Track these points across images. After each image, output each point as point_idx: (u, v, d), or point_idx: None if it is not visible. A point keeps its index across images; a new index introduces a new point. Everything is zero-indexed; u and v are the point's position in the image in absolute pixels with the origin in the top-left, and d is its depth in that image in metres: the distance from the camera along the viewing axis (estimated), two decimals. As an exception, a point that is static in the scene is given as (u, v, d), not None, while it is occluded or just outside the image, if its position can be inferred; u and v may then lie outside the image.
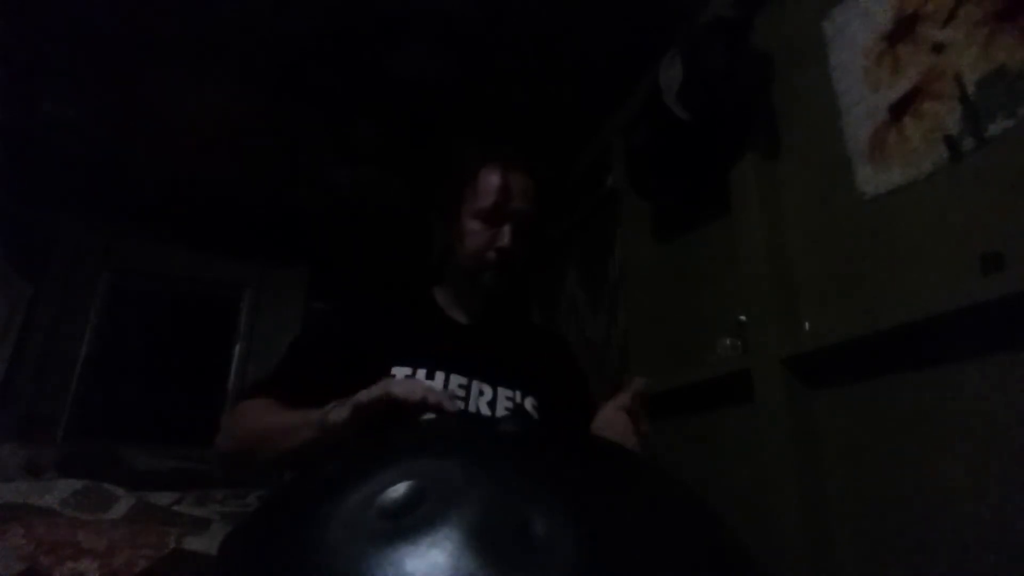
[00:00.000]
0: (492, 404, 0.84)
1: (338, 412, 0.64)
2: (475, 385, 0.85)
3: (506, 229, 0.86)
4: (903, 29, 1.07)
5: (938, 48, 1.00)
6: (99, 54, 1.88)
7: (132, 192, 2.67)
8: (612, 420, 0.77)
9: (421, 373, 0.82)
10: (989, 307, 0.83)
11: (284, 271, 3.08)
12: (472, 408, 0.82)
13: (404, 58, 1.88)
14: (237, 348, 2.91)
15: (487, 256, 0.87)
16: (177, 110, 2.18)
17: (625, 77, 1.90)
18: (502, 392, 0.86)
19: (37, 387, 2.44)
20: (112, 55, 1.89)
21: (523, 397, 0.88)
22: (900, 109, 1.06)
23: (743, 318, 1.34)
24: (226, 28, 1.78)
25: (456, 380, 0.84)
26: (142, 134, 2.33)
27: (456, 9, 1.68)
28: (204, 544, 1.04)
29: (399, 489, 0.35)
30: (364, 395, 0.62)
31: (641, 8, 1.66)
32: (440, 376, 0.83)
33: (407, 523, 0.33)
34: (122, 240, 2.78)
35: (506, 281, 0.89)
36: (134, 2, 1.69)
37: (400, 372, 0.82)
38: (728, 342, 1.38)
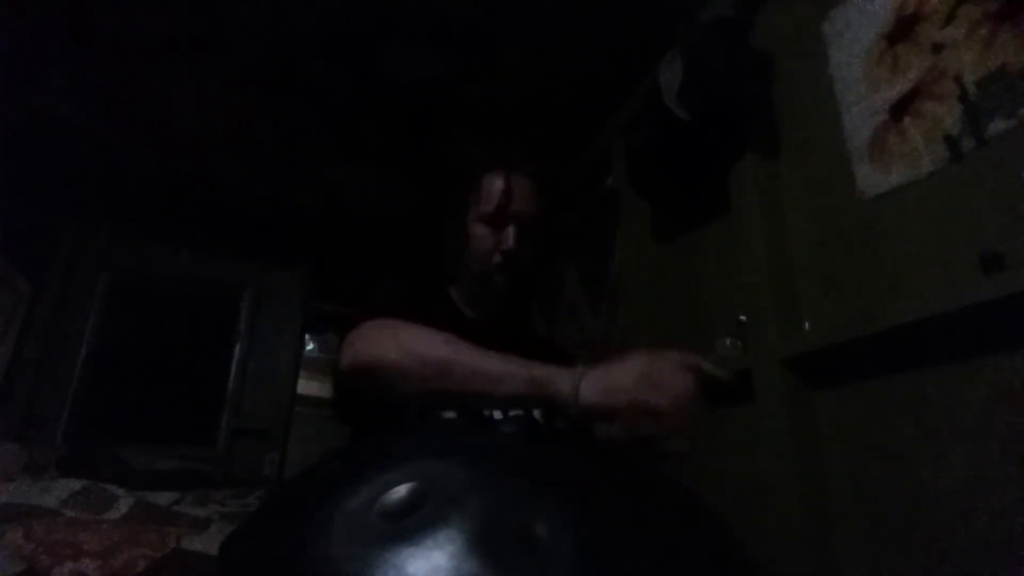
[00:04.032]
0: (505, 410, 0.85)
1: (596, 389, 0.55)
2: None
3: (510, 231, 0.88)
4: (903, 29, 1.07)
5: (938, 48, 1.00)
6: (99, 54, 1.88)
7: (132, 192, 2.67)
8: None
9: None
10: (989, 307, 0.83)
11: (284, 271, 3.08)
12: (486, 413, 0.82)
13: (404, 58, 1.88)
14: (237, 348, 2.91)
15: (493, 259, 0.89)
16: (177, 110, 2.18)
17: (625, 77, 1.90)
18: None
19: (37, 387, 2.44)
20: (112, 55, 1.89)
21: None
22: (900, 109, 1.06)
23: (743, 318, 1.34)
24: (226, 28, 1.78)
25: None
26: (142, 134, 2.33)
27: (456, 9, 1.68)
28: (204, 544, 1.04)
29: (401, 491, 0.35)
30: (654, 398, 0.54)
31: (641, 8, 1.66)
32: None
33: (409, 524, 0.33)
34: (122, 240, 2.78)
35: (514, 282, 0.91)
36: (134, 2, 1.69)
37: None
38: (728, 342, 1.38)
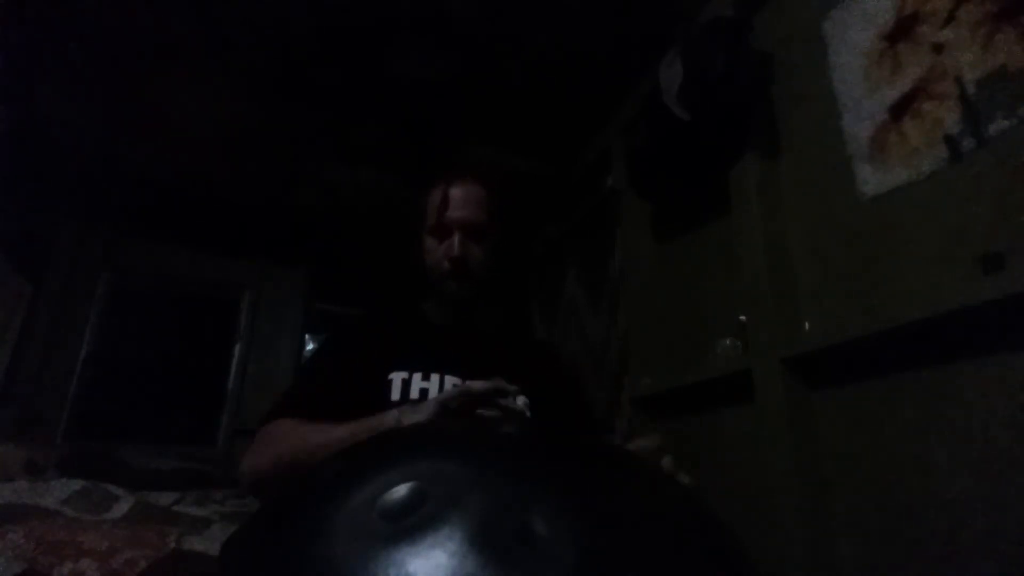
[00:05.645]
0: None
1: (416, 414, 0.67)
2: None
3: (454, 238, 0.92)
4: (903, 29, 1.07)
5: (938, 48, 1.00)
6: (100, 54, 1.88)
7: (132, 192, 2.67)
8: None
9: (417, 376, 0.87)
10: (989, 307, 0.83)
11: (284, 271, 3.08)
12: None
13: (404, 58, 1.88)
14: (237, 348, 2.90)
15: (443, 267, 0.93)
16: (178, 110, 2.18)
17: (625, 77, 1.90)
18: None
19: (37, 387, 2.44)
20: (113, 55, 1.89)
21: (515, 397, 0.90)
22: (900, 109, 1.06)
23: (743, 318, 1.34)
24: (227, 28, 1.78)
25: (451, 380, 0.87)
26: (143, 134, 2.33)
27: (456, 9, 1.68)
28: (204, 544, 1.04)
29: (400, 490, 0.35)
30: (445, 395, 0.68)
31: (641, 8, 1.66)
32: (435, 378, 0.87)
33: (408, 524, 0.33)
34: (122, 240, 2.78)
35: (468, 285, 0.94)
36: (135, 2, 1.69)
37: (397, 377, 0.86)
38: (728, 342, 1.38)
